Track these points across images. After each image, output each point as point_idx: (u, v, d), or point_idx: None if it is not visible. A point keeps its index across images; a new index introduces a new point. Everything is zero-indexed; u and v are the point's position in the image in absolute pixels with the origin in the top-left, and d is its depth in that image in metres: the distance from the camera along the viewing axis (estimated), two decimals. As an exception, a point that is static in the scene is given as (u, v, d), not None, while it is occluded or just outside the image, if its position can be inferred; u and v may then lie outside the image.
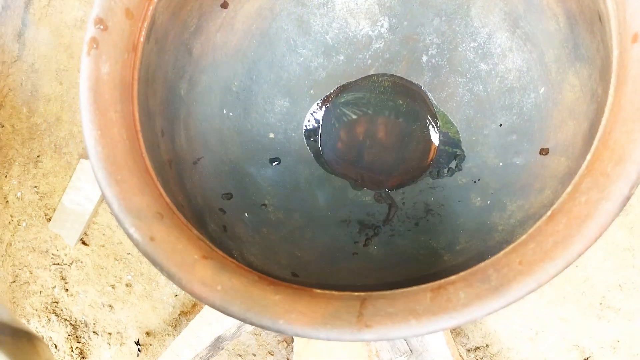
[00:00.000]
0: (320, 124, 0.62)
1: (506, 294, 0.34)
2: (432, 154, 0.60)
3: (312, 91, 0.62)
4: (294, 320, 0.36)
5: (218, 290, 0.37)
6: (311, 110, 0.62)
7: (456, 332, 0.71)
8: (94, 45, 0.41)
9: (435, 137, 0.60)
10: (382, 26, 0.60)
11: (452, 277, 0.38)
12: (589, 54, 0.43)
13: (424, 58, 0.60)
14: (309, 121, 0.62)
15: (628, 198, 0.35)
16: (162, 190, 0.42)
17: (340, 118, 0.62)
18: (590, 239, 0.35)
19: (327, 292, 0.39)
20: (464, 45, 0.57)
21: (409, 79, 0.61)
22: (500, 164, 0.54)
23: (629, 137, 0.35)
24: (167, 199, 0.42)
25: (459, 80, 0.58)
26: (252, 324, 0.36)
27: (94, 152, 0.39)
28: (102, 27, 0.42)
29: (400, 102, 0.61)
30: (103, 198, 0.70)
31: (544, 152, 0.49)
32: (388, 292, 0.38)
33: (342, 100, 0.62)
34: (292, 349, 0.70)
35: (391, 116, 0.61)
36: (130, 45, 0.43)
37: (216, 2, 0.52)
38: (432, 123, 0.60)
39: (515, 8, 0.51)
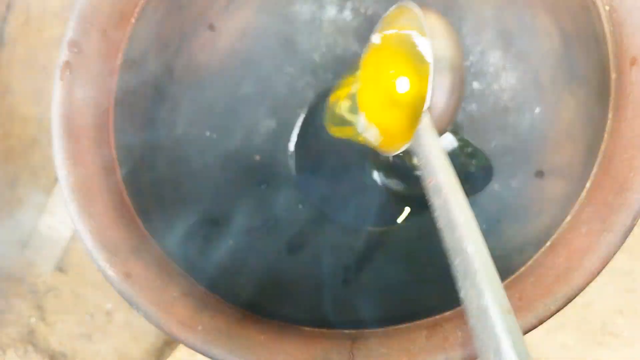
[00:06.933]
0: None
1: (506, 333, 0.32)
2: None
3: (299, 111, 0.61)
4: (281, 363, 0.33)
5: (199, 330, 0.35)
6: (298, 131, 0.61)
7: None
8: (68, 70, 0.39)
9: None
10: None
11: (448, 313, 0.36)
12: (585, 75, 0.42)
13: (414, 77, 0.58)
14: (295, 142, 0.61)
15: (631, 229, 0.33)
16: (139, 222, 0.40)
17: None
18: (592, 272, 0.33)
19: (316, 329, 0.37)
20: (455, 64, 0.56)
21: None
22: (496, 186, 0.53)
23: (630, 164, 0.33)
24: (145, 231, 0.40)
25: (451, 99, 0.57)
26: (235, 367, 0.34)
27: (66, 183, 0.37)
28: (76, 49, 0.40)
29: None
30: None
31: (540, 174, 0.48)
32: (380, 329, 0.36)
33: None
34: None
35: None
36: (106, 69, 0.41)
37: (200, 23, 0.51)
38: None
39: (508, 26, 0.50)
